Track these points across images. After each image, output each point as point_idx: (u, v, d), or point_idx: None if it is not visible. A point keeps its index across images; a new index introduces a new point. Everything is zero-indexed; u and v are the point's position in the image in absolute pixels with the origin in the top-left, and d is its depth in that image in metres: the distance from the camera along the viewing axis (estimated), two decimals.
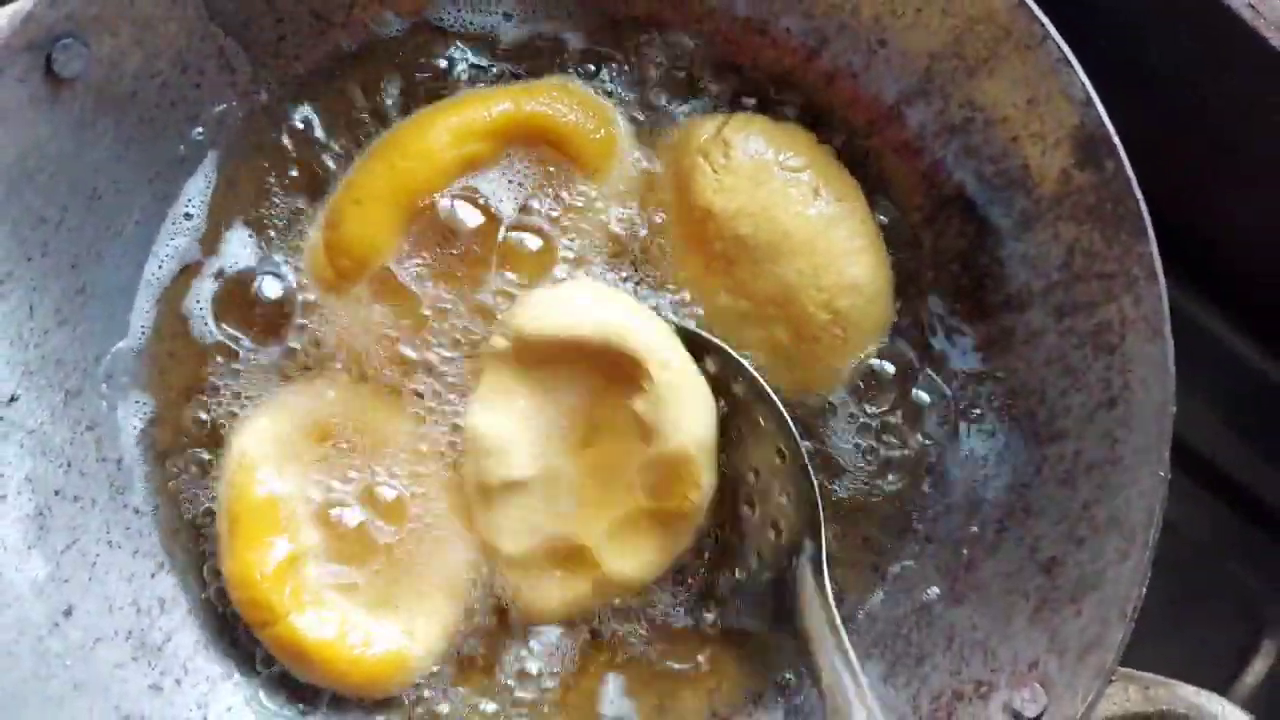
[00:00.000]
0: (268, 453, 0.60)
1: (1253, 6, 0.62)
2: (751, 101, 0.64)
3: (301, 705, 0.62)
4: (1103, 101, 0.56)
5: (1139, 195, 0.55)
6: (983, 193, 0.61)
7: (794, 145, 0.62)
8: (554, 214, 0.62)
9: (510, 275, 0.62)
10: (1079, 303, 0.58)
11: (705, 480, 0.59)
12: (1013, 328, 0.61)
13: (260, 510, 0.60)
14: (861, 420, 0.64)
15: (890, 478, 0.64)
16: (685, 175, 0.62)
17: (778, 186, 0.61)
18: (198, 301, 0.62)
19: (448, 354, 0.62)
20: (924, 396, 0.64)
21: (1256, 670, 0.78)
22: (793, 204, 0.61)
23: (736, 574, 0.62)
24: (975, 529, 0.62)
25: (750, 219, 0.61)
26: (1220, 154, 0.72)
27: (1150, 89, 0.68)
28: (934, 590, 0.63)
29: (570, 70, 0.63)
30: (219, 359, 0.62)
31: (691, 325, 0.62)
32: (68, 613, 0.57)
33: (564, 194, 0.62)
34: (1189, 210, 0.65)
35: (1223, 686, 0.55)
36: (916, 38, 0.59)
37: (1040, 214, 0.59)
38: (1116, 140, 0.55)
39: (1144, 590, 0.55)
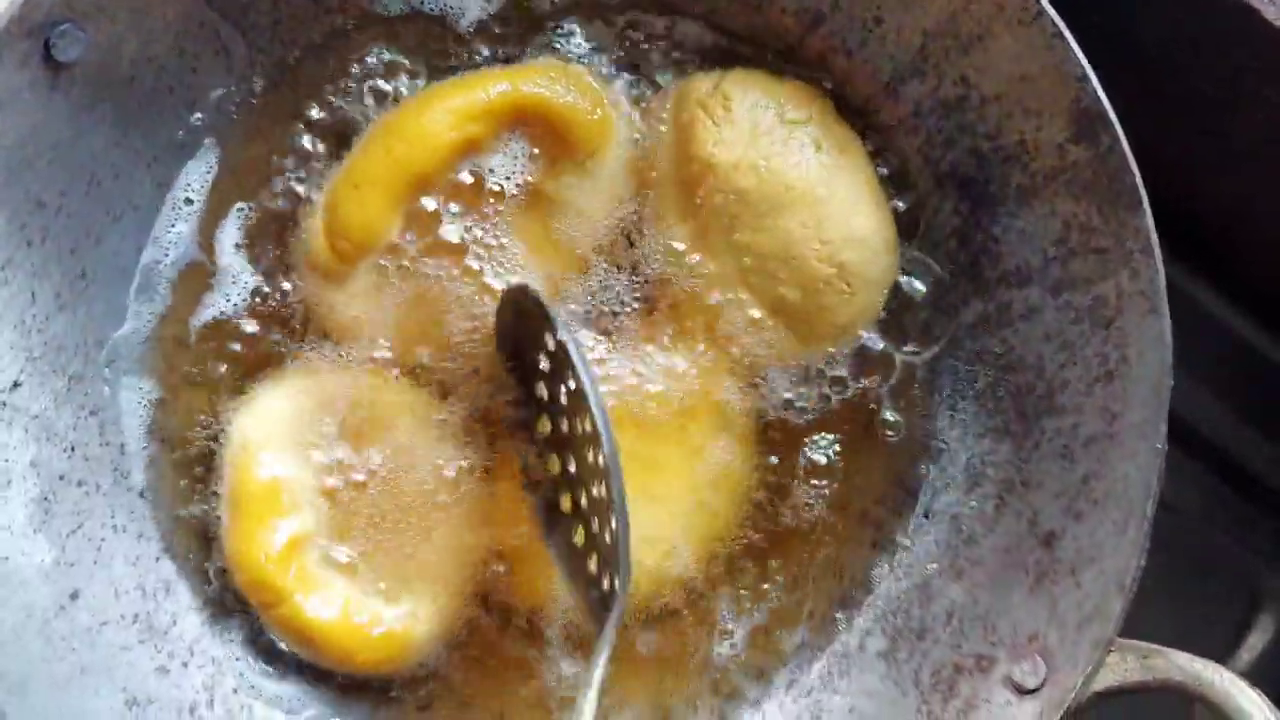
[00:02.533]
0: (270, 435, 0.60)
1: None
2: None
3: (308, 686, 0.62)
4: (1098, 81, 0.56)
5: (1135, 169, 0.56)
6: (979, 169, 0.61)
7: (794, 98, 0.62)
8: (551, 193, 0.62)
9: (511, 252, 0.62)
10: (1076, 278, 0.59)
11: None
12: (1010, 303, 0.62)
13: (263, 493, 0.60)
14: (860, 393, 0.64)
15: (888, 453, 0.65)
16: (684, 130, 0.61)
17: (779, 138, 0.61)
18: (198, 286, 0.62)
19: (447, 333, 0.62)
20: (922, 372, 0.65)
21: (1253, 644, 0.78)
22: (794, 155, 0.61)
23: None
24: (974, 503, 0.62)
25: (752, 171, 0.60)
26: (1212, 129, 0.73)
27: (1142, 65, 0.69)
28: (934, 565, 0.63)
29: (562, 49, 0.63)
30: (220, 343, 0.62)
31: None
32: (74, 596, 0.57)
33: (560, 173, 0.62)
34: (1182, 187, 0.65)
35: (1221, 660, 0.56)
36: (911, 15, 0.59)
37: (1036, 189, 0.59)
38: (1112, 114, 0.56)
39: (1142, 562, 0.55)
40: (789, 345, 0.63)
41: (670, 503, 0.63)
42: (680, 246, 0.63)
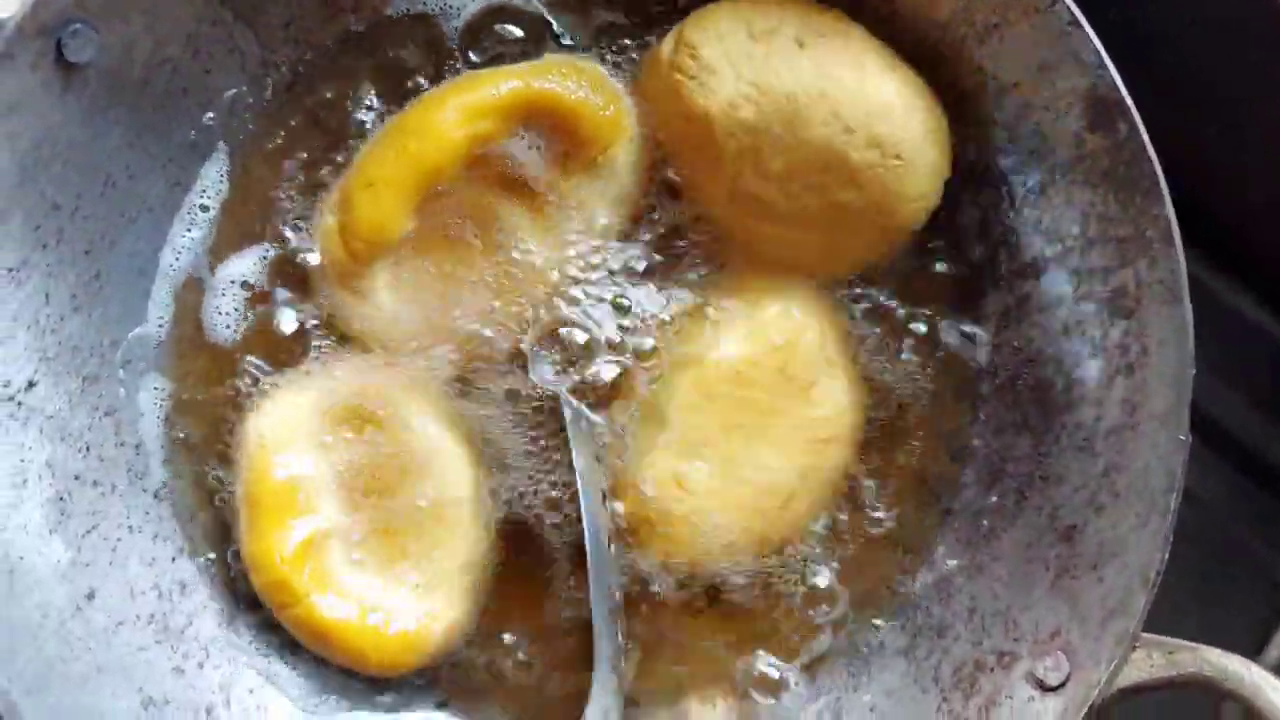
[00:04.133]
0: (286, 434, 0.60)
1: None
2: None
3: (325, 686, 0.62)
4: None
5: (1153, 157, 0.55)
6: (996, 160, 0.61)
7: (756, 9, 0.59)
8: (568, 189, 0.62)
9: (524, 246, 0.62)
10: (1095, 268, 0.58)
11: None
12: (1029, 295, 0.61)
13: (279, 493, 0.60)
14: (878, 390, 0.64)
15: (907, 450, 0.64)
16: (671, 96, 0.60)
17: (758, 56, 0.58)
18: (213, 287, 0.62)
19: (464, 332, 0.62)
20: (939, 366, 0.64)
21: None
22: (779, 64, 0.58)
23: None
24: (995, 499, 0.62)
25: (747, 101, 0.58)
26: (1231, 121, 0.72)
27: (1157, 57, 0.68)
28: (954, 562, 0.62)
29: (569, 45, 0.63)
30: (235, 344, 0.62)
31: None
32: (90, 596, 0.57)
33: (574, 170, 0.62)
34: (1199, 179, 0.64)
35: (1248, 655, 0.55)
36: (926, 5, 0.59)
37: (1054, 180, 0.59)
38: (1129, 101, 0.55)
39: (1166, 555, 0.54)
40: (875, 246, 0.61)
41: (789, 444, 0.61)
42: (727, 204, 0.61)
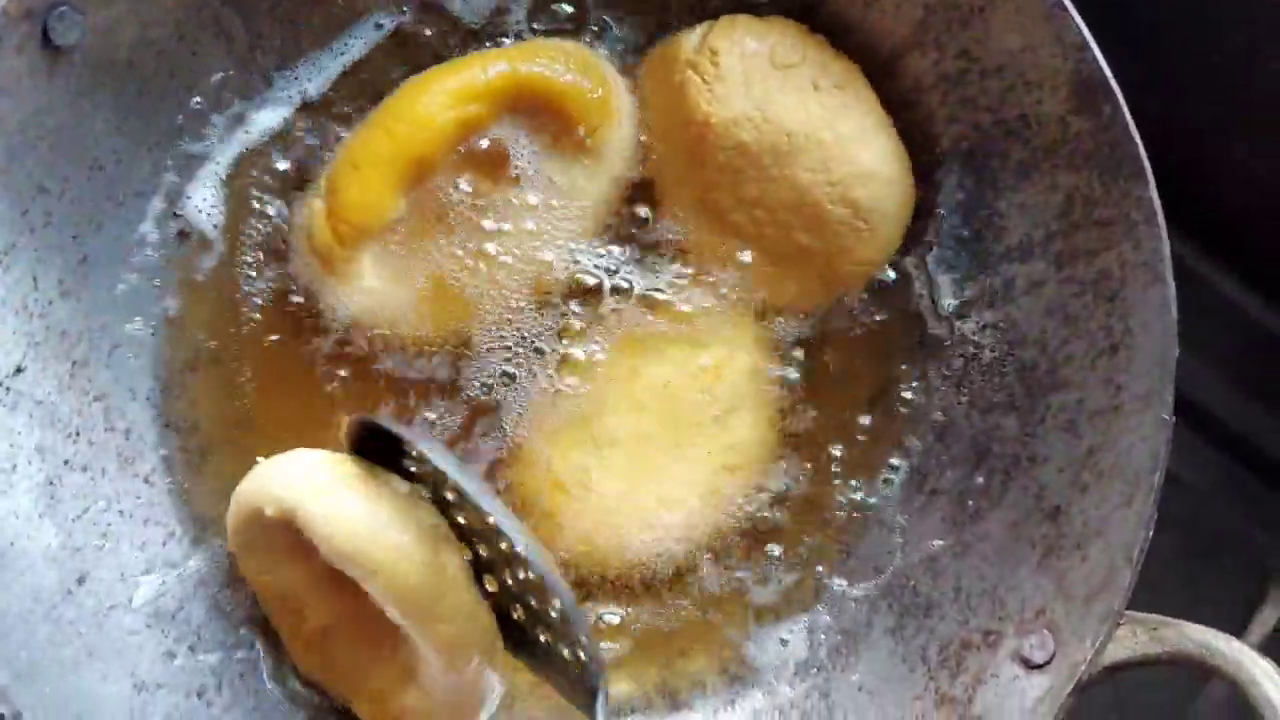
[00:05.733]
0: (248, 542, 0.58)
1: None
2: None
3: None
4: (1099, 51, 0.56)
5: (1137, 139, 0.55)
6: (980, 144, 0.61)
7: (784, 39, 0.60)
8: (553, 174, 0.62)
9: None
10: (1079, 250, 0.59)
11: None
12: (1013, 278, 0.61)
13: (275, 599, 0.59)
14: (864, 370, 0.64)
15: (893, 430, 0.64)
16: (676, 93, 0.60)
17: (774, 85, 0.59)
18: (200, 272, 0.62)
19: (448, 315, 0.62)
20: (925, 349, 0.64)
21: (1264, 619, 0.78)
22: (790, 100, 0.59)
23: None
24: (980, 480, 0.62)
25: (750, 124, 0.59)
26: (1220, 104, 0.72)
27: (1147, 38, 0.68)
28: (939, 542, 0.63)
29: (559, 26, 0.63)
30: (224, 329, 0.62)
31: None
32: (81, 580, 0.57)
33: (563, 152, 0.62)
34: (1188, 162, 0.64)
35: (1233, 635, 0.56)
36: None
37: (1038, 163, 0.59)
38: (1114, 83, 0.55)
39: (1150, 534, 0.55)
40: (812, 294, 0.63)
41: (696, 464, 0.62)
42: (691, 211, 0.62)
